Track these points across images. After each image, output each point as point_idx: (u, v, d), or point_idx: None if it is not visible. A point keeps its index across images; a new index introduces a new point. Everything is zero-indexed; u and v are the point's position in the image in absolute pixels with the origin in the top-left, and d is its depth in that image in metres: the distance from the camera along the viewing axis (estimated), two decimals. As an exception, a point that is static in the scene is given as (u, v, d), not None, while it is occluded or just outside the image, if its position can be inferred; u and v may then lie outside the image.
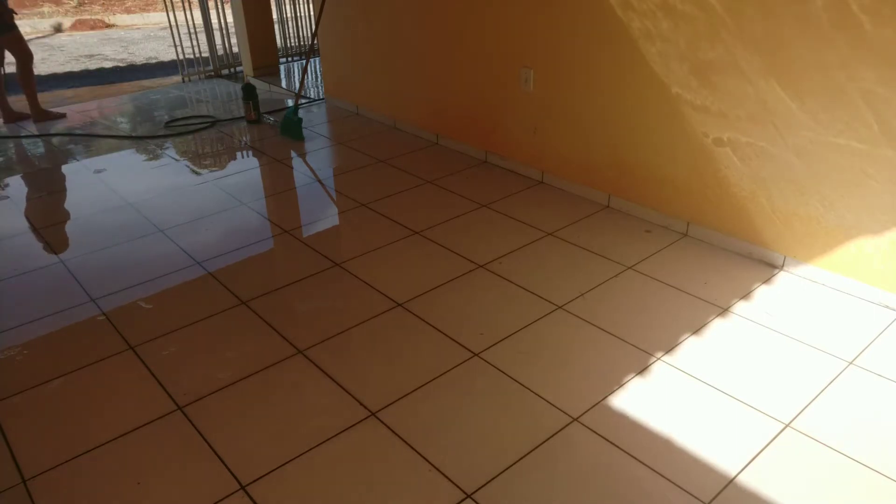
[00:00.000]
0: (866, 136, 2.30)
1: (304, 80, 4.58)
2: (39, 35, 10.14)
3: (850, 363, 2.18)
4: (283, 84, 5.54)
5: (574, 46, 3.11)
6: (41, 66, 7.78)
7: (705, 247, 2.89)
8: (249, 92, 4.51)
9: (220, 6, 6.10)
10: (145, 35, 9.53)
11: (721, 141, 2.71)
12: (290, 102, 5.02)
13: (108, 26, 10.70)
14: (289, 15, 6.43)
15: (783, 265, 2.70)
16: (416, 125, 4.29)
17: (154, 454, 1.90)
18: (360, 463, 1.85)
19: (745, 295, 2.55)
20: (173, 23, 5.81)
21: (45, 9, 11.25)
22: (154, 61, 6.03)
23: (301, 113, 4.68)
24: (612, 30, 2.90)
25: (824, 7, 2.24)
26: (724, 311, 2.46)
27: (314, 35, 4.56)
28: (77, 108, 5.36)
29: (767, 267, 2.72)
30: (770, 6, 2.37)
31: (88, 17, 11.00)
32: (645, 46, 2.81)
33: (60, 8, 11.41)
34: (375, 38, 4.30)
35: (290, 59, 6.37)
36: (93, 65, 7.94)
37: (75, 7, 11.60)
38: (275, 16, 6.08)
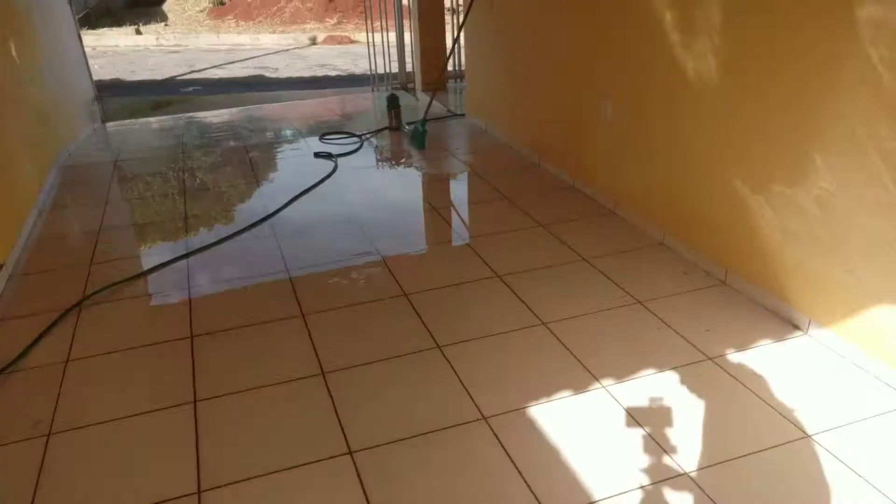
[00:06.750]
0: (884, 199, 2.08)
1: (431, 101, 5.15)
2: (297, 46, 12.16)
3: (815, 438, 2.00)
4: (450, 100, 6.12)
5: (656, 84, 3.15)
6: (283, 71, 9.42)
7: (737, 297, 2.73)
8: (393, 102, 5.14)
9: (414, 30, 6.91)
10: (377, 51, 10.88)
11: (758, 189, 2.58)
12: (442, 116, 5.58)
13: (352, 42, 12.43)
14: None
15: (808, 328, 2.48)
16: (525, 146, 4.54)
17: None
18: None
19: (742, 349, 2.41)
20: (370, 42, 6.76)
21: (309, 25, 13.43)
22: (370, 73, 7.08)
23: (430, 125, 5.13)
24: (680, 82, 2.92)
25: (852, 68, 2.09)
26: (706, 359, 2.36)
27: (445, 62, 5.06)
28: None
29: (790, 327, 2.52)
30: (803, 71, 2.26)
31: (339, 33, 12.88)
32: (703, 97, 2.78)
33: (322, 25, 13.53)
34: (502, 64, 4.64)
35: (458, 80, 6.96)
36: (321, 73, 9.40)
37: (334, 24, 13.64)
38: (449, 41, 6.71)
